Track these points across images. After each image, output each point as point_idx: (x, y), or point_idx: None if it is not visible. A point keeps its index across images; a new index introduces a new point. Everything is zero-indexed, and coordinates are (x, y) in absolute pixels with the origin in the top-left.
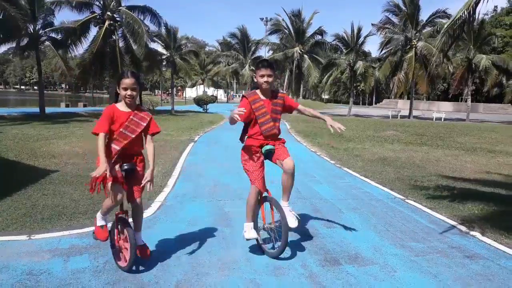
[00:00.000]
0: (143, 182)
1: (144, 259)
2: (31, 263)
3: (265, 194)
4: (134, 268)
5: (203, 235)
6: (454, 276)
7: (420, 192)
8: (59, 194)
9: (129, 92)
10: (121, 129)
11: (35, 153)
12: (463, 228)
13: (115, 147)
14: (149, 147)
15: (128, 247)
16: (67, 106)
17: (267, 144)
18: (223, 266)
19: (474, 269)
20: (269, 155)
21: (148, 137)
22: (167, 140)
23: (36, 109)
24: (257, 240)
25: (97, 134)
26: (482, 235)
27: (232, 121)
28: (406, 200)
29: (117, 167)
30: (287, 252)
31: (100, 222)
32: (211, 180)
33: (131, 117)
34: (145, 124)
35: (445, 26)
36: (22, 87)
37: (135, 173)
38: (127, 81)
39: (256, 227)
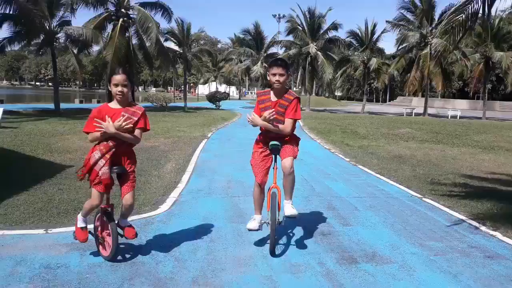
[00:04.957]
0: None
1: (129, 239)
2: (48, 257)
3: (274, 190)
4: (151, 262)
5: (218, 232)
6: (475, 277)
7: (437, 191)
8: (74, 189)
9: (119, 88)
10: None
11: (50, 148)
12: (482, 227)
13: (109, 143)
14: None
15: (110, 241)
16: (81, 102)
17: (273, 140)
18: (239, 262)
19: (496, 269)
20: (277, 151)
21: (137, 131)
22: (180, 136)
23: (51, 105)
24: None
25: (87, 133)
26: (502, 235)
27: (253, 123)
28: (423, 199)
29: (106, 168)
30: (303, 249)
31: (80, 223)
32: (225, 177)
33: (122, 113)
34: (136, 118)
35: (450, 11)
36: (37, 83)
37: (125, 175)
38: (118, 77)
39: (263, 219)
